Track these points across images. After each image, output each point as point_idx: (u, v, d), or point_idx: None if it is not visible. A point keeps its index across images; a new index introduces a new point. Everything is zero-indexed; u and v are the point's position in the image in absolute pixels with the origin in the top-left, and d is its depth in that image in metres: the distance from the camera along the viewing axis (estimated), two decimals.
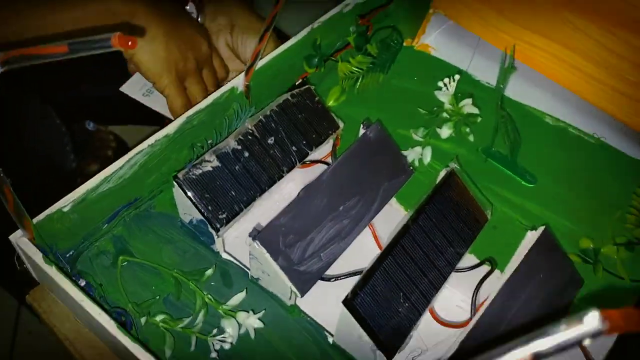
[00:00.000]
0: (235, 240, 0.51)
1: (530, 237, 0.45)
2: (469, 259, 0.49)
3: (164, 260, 0.48)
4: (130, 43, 0.28)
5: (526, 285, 0.43)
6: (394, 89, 0.63)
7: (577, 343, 0.19)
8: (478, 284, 0.46)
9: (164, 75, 0.58)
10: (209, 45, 0.62)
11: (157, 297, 0.46)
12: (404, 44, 0.67)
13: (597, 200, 0.54)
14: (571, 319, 0.19)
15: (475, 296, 0.46)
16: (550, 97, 0.60)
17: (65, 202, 0.45)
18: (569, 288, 0.46)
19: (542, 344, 0.19)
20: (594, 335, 0.19)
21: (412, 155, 0.55)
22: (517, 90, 0.61)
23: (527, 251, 0.44)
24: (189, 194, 0.45)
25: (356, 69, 0.61)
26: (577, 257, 0.50)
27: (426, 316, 0.45)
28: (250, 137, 0.49)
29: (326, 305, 0.45)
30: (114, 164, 0.47)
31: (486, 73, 0.63)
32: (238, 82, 0.54)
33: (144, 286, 0.47)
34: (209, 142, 0.53)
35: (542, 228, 0.46)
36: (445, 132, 0.57)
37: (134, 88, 0.64)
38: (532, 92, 0.61)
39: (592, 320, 0.19)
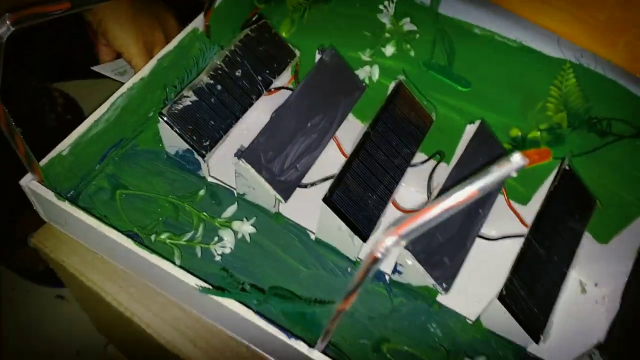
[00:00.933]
0: (219, 164, 0.57)
1: (469, 130, 0.54)
2: (420, 156, 0.57)
3: (157, 189, 0.55)
4: None
5: (469, 169, 0.52)
6: (339, 16, 0.68)
7: (508, 176, 0.28)
8: (430, 175, 0.55)
9: (131, 44, 0.61)
10: (175, 19, 0.65)
11: (160, 219, 0.52)
12: None
13: (523, 95, 0.63)
14: (501, 161, 0.28)
15: (429, 185, 0.55)
16: (475, 9, 0.68)
17: (63, 146, 0.50)
18: None
19: (484, 181, 0.28)
20: (519, 168, 0.27)
21: (362, 74, 0.62)
22: (449, 7, 0.69)
23: (467, 142, 0.53)
24: (175, 127, 0.51)
25: (303, 1, 0.67)
26: (509, 145, 0.59)
27: (390, 206, 0.54)
28: (220, 72, 0.54)
29: (304, 209, 0.53)
30: (99, 108, 0.52)
31: None
32: (198, 23, 0.59)
33: (144, 213, 0.53)
34: (181, 81, 0.58)
35: (478, 122, 0.54)
36: (389, 50, 0.64)
37: (105, 68, 0.67)
38: (462, 7, 0.68)
39: (517, 158, 0.27)
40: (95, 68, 0.67)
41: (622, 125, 0.62)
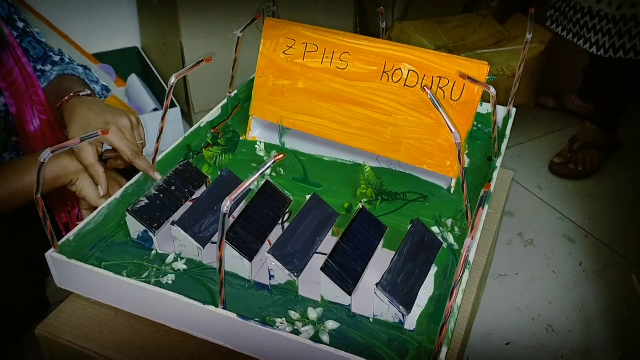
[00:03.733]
0: (163, 239, 0.93)
1: (307, 200, 0.93)
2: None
3: (127, 259, 0.90)
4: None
5: (307, 218, 0.90)
6: (239, 159, 1.12)
7: (265, 171, 0.67)
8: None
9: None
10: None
11: (129, 270, 0.87)
12: (241, 138, 1.18)
13: (350, 187, 1.05)
14: (266, 161, 0.67)
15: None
16: (316, 145, 1.13)
17: (69, 236, 0.86)
18: (332, 218, 0.93)
19: (261, 170, 0.67)
20: (273, 163, 0.66)
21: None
22: (299, 145, 1.14)
23: (306, 205, 0.92)
24: (135, 216, 0.89)
25: (214, 154, 1.10)
26: (344, 212, 0.98)
27: (266, 244, 0.90)
28: (162, 187, 0.94)
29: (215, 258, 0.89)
30: (90, 215, 0.90)
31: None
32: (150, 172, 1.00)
33: (120, 271, 0.87)
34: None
35: (312, 195, 0.94)
36: (267, 171, 1.06)
37: None
38: (306, 144, 1.13)
39: (271, 158, 0.67)
40: None
41: (410, 195, 1.03)
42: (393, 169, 1.10)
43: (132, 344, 0.82)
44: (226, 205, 0.66)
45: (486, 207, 0.92)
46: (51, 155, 0.75)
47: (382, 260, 0.85)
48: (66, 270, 0.84)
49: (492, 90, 0.94)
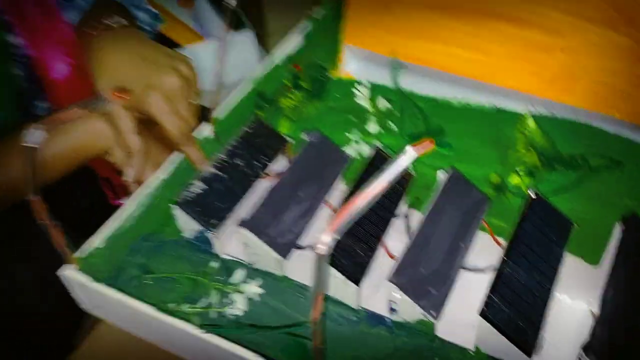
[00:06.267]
0: (228, 240, 0.65)
1: (442, 177, 0.60)
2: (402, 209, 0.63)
3: (178, 271, 0.62)
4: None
5: (443, 212, 0.58)
6: (329, 108, 0.79)
7: (407, 167, 0.34)
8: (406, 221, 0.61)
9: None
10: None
11: (181, 294, 0.59)
12: (330, 75, 0.84)
13: (498, 147, 0.70)
14: (399, 155, 0.34)
15: (407, 229, 0.60)
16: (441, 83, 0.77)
17: (98, 239, 0.59)
18: (479, 206, 0.60)
19: (388, 174, 0.34)
20: (413, 159, 0.34)
21: (351, 151, 0.71)
22: (417, 85, 0.79)
23: (441, 189, 0.59)
24: (186, 210, 0.60)
25: (295, 102, 0.78)
26: (492, 190, 0.65)
27: (380, 252, 0.59)
28: (223, 162, 0.64)
29: (307, 270, 0.59)
30: (124, 205, 0.62)
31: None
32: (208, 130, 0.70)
33: (168, 291, 0.60)
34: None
35: (450, 169, 0.61)
36: (372, 127, 0.73)
37: None
38: (430, 84, 0.78)
39: (409, 151, 0.34)
40: None
41: (593, 159, 0.67)
42: (560, 117, 0.73)
43: None
44: (324, 241, 0.35)
45: None
46: (42, 137, 0.46)
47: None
48: (91, 294, 0.58)
49: None
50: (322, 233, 0.35)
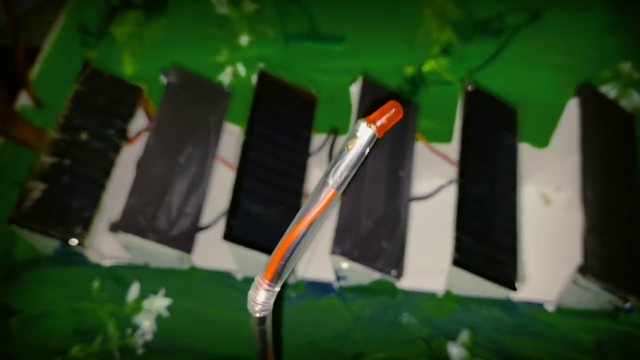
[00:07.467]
0: (105, 242, 0.49)
1: (354, 91, 0.47)
2: (319, 139, 0.50)
3: (51, 301, 0.46)
4: None
5: None
6: (180, 27, 0.60)
7: (365, 154, 0.20)
8: (329, 154, 0.48)
9: None
10: None
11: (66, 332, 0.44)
12: None
13: (402, 30, 0.57)
14: (348, 137, 0.21)
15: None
16: None
17: None
18: (409, 114, 0.48)
19: (338, 174, 0.21)
20: (372, 141, 0.20)
21: (226, 77, 0.55)
22: None
23: (357, 105, 0.46)
24: (32, 227, 0.43)
25: (133, 27, 0.59)
26: (409, 86, 0.53)
27: None
28: (62, 144, 0.46)
29: (217, 251, 0.45)
30: None
31: None
32: (24, 99, 0.50)
33: (47, 334, 0.45)
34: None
35: (360, 78, 0.47)
36: (244, 39, 0.57)
37: None
38: None
39: (364, 130, 0.20)
40: None
41: (515, 16, 0.57)
42: None
43: None
44: (260, 300, 0.22)
45: None
46: None
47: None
48: None
49: None
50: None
